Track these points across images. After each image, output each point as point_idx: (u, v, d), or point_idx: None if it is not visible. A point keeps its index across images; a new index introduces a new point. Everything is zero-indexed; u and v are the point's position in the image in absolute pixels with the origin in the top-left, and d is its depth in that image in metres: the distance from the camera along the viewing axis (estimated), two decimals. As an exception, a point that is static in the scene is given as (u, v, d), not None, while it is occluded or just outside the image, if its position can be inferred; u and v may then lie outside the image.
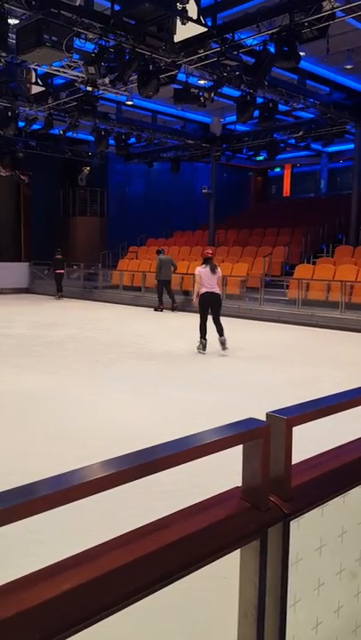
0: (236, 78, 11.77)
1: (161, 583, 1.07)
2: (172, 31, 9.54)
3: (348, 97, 15.70)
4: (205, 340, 9.23)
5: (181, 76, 12.37)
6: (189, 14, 9.09)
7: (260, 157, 21.60)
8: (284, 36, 9.67)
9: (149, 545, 1.08)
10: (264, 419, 1.28)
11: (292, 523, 1.27)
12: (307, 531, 1.31)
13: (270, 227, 20.01)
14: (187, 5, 9.00)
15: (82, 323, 13.22)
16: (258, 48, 10.81)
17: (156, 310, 15.74)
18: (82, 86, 13.48)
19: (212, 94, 12.58)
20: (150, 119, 18.97)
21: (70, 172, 23.61)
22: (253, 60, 11.15)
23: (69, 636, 0.91)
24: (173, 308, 15.56)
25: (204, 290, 9.05)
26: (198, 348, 9.25)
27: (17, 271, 20.75)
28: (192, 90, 12.68)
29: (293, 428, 1.29)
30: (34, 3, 9.42)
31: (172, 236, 23.11)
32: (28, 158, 20.87)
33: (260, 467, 1.23)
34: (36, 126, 17.54)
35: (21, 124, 16.93)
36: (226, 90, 13.36)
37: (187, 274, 17.15)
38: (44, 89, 14.19)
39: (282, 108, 15.22)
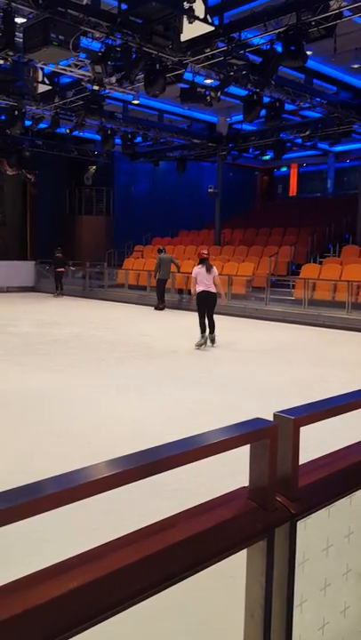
0: (243, 77, 11.75)
1: (167, 583, 1.06)
2: (179, 30, 9.53)
3: (356, 96, 15.64)
4: (205, 335, 9.65)
5: (188, 76, 12.36)
6: (196, 13, 9.08)
7: (267, 157, 21.55)
8: (291, 35, 9.64)
9: (155, 544, 1.07)
10: (269, 419, 1.28)
11: (298, 523, 1.27)
12: (313, 531, 1.31)
13: (276, 226, 19.97)
14: (194, 4, 8.99)
15: (87, 321, 13.24)
16: (265, 47, 10.78)
17: (156, 309, 15.75)
18: (88, 85, 13.49)
19: (219, 93, 12.56)
20: (157, 118, 18.97)
21: (76, 171, 23.66)
22: (260, 60, 11.13)
23: (75, 635, 0.91)
24: (161, 308, 15.58)
25: (200, 289, 9.51)
26: (198, 344, 9.60)
27: (23, 270, 20.82)
28: (198, 89, 12.67)
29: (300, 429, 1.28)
30: (41, 1, 9.43)
31: (177, 235, 23.10)
32: (35, 157, 20.93)
33: (268, 467, 1.23)
34: (42, 125, 17.58)
35: (28, 123, 16.96)
36: (232, 89, 13.34)
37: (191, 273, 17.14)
38: (50, 88, 14.21)
39: (288, 107, 15.18)
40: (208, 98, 12.60)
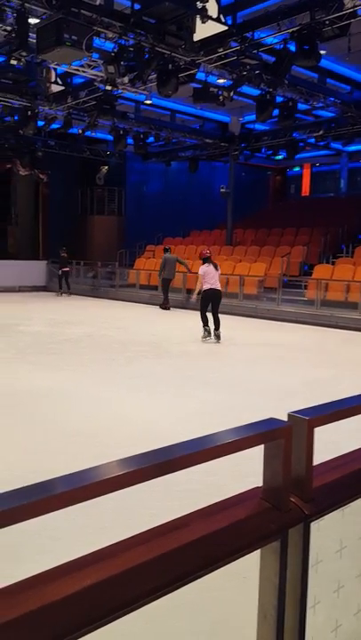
0: (256, 77, 11.72)
1: (180, 582, 1.06)
2: (192, 30, 9.53)
3: (370, 95, 15.54)
4: (208, 327, 10.22)
5: (201, 75, 12.36)
6: (209, 13, 9.08)
7: (280, 157, 21.49)
8: (304, 35, 9.60)
9: (169, 543, 1.07)
10: (280, 419, 1.27)
11: (312, 524, 1.26)
12: (327, 532, 1.30)
13: (289, 226, 19.90)
14: (207, 4, 8.99)
15: (98, 321, 13.28)
16: (278, 46, 10.75)
17: (162, 308, 15.79)
18: (101, 85, 13.54)
19: (232, 93, 12.54)
20: (169, 118, 18.98)
21: (88, 171, 23.74)
22: (273, 59, 11.09)
23: (88, 632, 0.91)
24: (166, 307, 15.61)
25: (208, 286, 9.92)
26: (204, 337, 10.23)
27: (35, 269, 20.94)
28: (211, 89, 12.66)
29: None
30: (54, 2, 9.48)
31: (189, 235, 23.10)
32: (47, 157, 21.03)
33: (282, 467, 1.22)
34: (55, 125, 17.65)
35: (40, 123, 17.05)
36: (245, 89, 13.31)
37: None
38: (63, 88, 14.27)
39: (302, 106, 15.12)
40: (221, 98, 12.58)
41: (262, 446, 1.25)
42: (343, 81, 15.10)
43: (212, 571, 1.15)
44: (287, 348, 10.24)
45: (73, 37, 9.51)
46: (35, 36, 10.03)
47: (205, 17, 9.06)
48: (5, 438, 4.83)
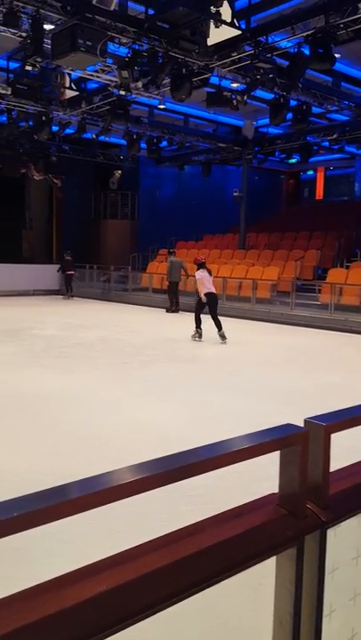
0: (270, 81, 11.70)
1: (196, 588, 1.06)
2: (206, 34, 9.56)
3: (384, 99, 15.45)
4: (201, 329, 10.81)
5: (214, 80, 12.38)
6: (223, 17, 9.10)
7: (293, 160, 21.43)
8: (319, 38, 9.58)
9: (185, 549, 1.07)
10: (296, 424, 1.27)
11: (329, 531, 1.25)
12: (344, 540, 1.29)
13: (302, 230, 19.82)
14: (221, 8, 9.01)
15: (112, 325, 13.32)
16: (292, 50, 10.73)
17: (168, 312, 15.82)
18: (115, 90, 13.62)
19: (245, 97, 12.54)
20: (182, 122, 19.02)
21: (102, 175, 23.87)
22: (287, 63, 11.08)
23: (106, 637, 0.91)
24: (173, 311, 15.63)
25: (207, 290, 10.54)
26: (194, 337, 10.81)
27: (49, 273, 21.05)
28: (225, 93, 12.68)
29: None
30: (69, 8, 9.56)
31: (202, 239, 23.10)
32: (61, 162, 21.17)
33: (298, 473, 1.21)
34: (69, 130, 17.77)
35: (55, 128, 17.18)
36: (259, 92, 13.30)
37: (216, 277, 17.11)
38: (77, 93, 14.38)
39: (316, 110, 15.07)
40: (234, 102, 12.59)
41: (277, 452, 1.24)
42: (358, 84, 15.03)
43: (228, 577, 1.14)
44: (300, 352, 10.19)
45: (87, 43, 9.58)
46: (49, 41, 10.13)
47: (219, 21, 9.08)
48: (18, 441, 4.86)
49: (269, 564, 1.26)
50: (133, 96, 13.84)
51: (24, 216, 24.38)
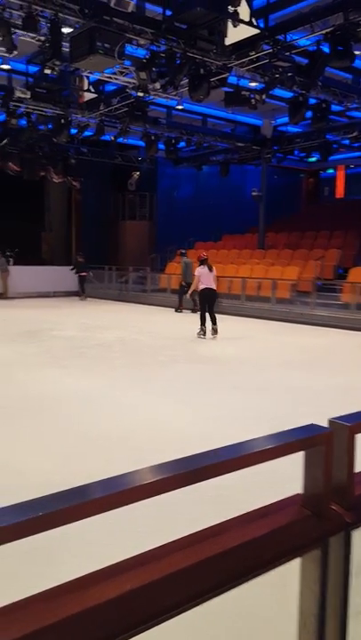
0: (289, 79, 11.63)
1: (222, 588, 1.05)
2: (224, 34, 9.55)
3: None
4: (205, 327, 11.12)
5: (232, 79, 12.34)
6: (241, 16, 9.07)
7: (313, 159, 21.28)
8: (338, 36, 9.50)
9: (210, 549, 1.07)
10: (317, 424, 1.26)
11: (353, 532, 1.24)
12: (369, 541, 1.27)
13: (323, 229, 19.66)
14: (239, 8, 8.98)
15: (130, 326, 13.36)
16: (311, 48, 10.65)
17: (176, 311, 15.87)
18: (133, 92, 13.67)
19: (264, 96, 12.48)
20: (200, 123, 19.01)
21: (120, 176, 23.98)
22: (306, 61, 11.00)
23: (129, 638, 0.91)
24: (193, 311, 15.70)
25: (203, 286, 10.91)
26: (199, 334, 11.15)
27: (68, 275, 21.19)
28: (243, 92, 12.64)
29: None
30: (87, 11, 9.62)
31: (220, 239, 23.05)
32: (80, 164, 21.32)
33: (322, 474, 1.20)
34: (87, 133, 17.88)
35: (74, 131, 17.30)
36: (277, 91, 13.23)
37: (235, 277, 17.08)
38: (95, 96, 14.46)
39: (335, 108, 14.94)
40: (253, 101, 12.54)
41: (300, 452, 1.23)
42: (378, 81, 14.86)
43: (253, 578, 1.14)
44: (322, 352, 10.10)
45: (105, 45, 9.64)
46: (68, 45, 10.21)
47: (237, 21, 9.06)
48: (39, 441, 4.90)
49: (294, 565, 1.25)
50: (151, 97, 13.87)
51: (43, 218, 24.61)
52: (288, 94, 13.40)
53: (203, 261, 11.18)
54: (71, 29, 10.17)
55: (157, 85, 12.35)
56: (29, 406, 6.01)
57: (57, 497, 0.91)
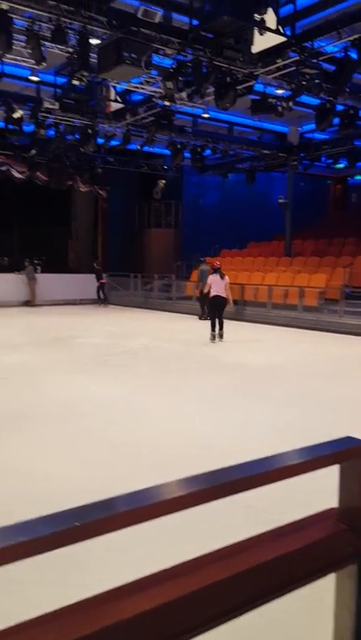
0: (316, 86, 11.57)
1: (256, 603, 1.03)
2: (250, 42, 9.55)
3: None
4: (215, 332, 11.61)
5: (259, 87, 12.33)
6: (268, 24, 9.07)
7: (340, 165, 21.09)
8: (365, 42, 9.42)
9: (244, 562, 1.05)
10: (353, 437, 1.23)
11: (391, 548, 1.20)
12: None
13: (351, 236, 19.43)
14: (265, 16, 8.98)
15: (156, 333, 13.39)
16: (339, 55, 10.58)
17: (200, 319, 15.83)
18: (159, 101, 13.77)
19: (291, 103, 12.44)
20: (226, 131, 19.04)
21: (146, 185, 24.13)
22: (334, 68, 10.93)
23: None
24: (203, 318, 15.65)
25: (214, 293, 11.45)
26: (212, 340, 11.57)
27: (94, 283, 21.38)
28: (270, 100, 12.61)
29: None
30: (114, 22, 9.75)
31: (246, 246, 22.98)
32: (106, 173, 21.54)
33: (358, 488, 1.18)
34: (114, 142, 18.06)
35: (100, 140, 17.49)
36: (304, 98, 13.18)
37: (261, 285, 16.99)
38: (122, 106, 14.61)
39: (363, 114, 14.80)
40: (279, 108, 12.51)
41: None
42: None
43: (287, 592, 1.11)
44: (351, 361, 9.96)
45: (132, 56, 9.75)
46: (95, 56, 10.35)
47: (264, 29, 9.06)
48: (64, 447, 4.92)
49: (329, 580, 1.22)
50: (177, 106, 13.95)
51: (70, 227, 24.89)
52: (315, 101, 13.33)
53: (216, 270, 11.69)
54: (99, 41, 10.30)
55: (184, 94, 12.42)
56: (55, 412, 6.05)
57: (85, 510, 0.90)
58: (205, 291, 11.63)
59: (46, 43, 10.27)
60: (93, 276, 21.11)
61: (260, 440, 5.10)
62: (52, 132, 16.44)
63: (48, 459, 4.65)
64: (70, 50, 10.57)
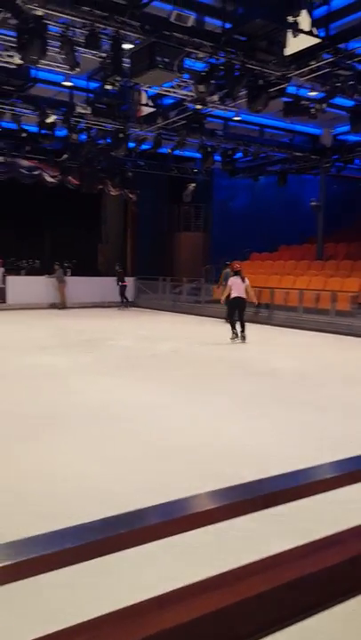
0: (350, 88, 11.40)
1: (299, 616, 1.00)
2: (283, 44, 9.46)
3: None
4: (236, 330, 11.96)
5: (291, 89, 12.23)
6: (301, 26, 8.97)
7: (375, 166, 20.76)
8: None
9: (288, 574, 1.01)
10: None
11: None
12: None
13: (385, 239, 19.10)
14: (298, 18, 8.90)
15: (185, 336, 13.37)
16: (374, 55, 10.43)
17: (226, 322, 15.75)
18: (191, 105, 13.77)
19: (324, 105, 12.30)
20: (257, 133, 18.93)
21: (176, 188, 24.18)
22: (368, 69, 10.78)
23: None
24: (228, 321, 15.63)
25: (235, 294, 11.82)
26: (232, 339, 11.95)
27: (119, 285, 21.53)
28: (302, 102, 12.49)
29: None
30: (147, 27, 9.79)
31: (277, 250, 22.80)
32: (136, 177, 21.66)
33: None
34: (144, 146, 18.15)
35: (131, 144, 17.60)
36: (338, 100, 13.02)
37: (292, 288, 16.82)
38: (154, 109, 14.67)
39: None
40: (313, 110, 12.38)
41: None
42: None
43: (332, 606, 1.07)
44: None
45: (165, 60, 9.76)
46: (127, 60, 10.41)
47: (297, 31, 8.97)
48: (95, 451, 4.94)
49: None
50: (209, 109, 13.93)
51: (100, 230, 25.11)
52: (349, 103, 13.16)
53: (236, 272, 12.16)
54: (131, 45, 10.36)
55: (215, 97, 12.39)
56: (87, 415, 6.08)
57: (112, 521, 0.88)
58: (225, 294, 12.06)
59: (80, 48, 10.38)
60: (125, 279, 21.27)
61: (295, 449, 5.02)
62: (83, 137, 16.62)
63: (80, 462, 4.66)
64: (103, 55, 10.67)
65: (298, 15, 8.89)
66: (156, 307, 21.14)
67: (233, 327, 12.06)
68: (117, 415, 6.10)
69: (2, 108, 14.68)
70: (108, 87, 11.54)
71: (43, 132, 15.46)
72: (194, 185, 22.49)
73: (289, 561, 1.06)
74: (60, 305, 20.42)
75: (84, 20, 9.74)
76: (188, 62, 10.87)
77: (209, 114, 15.14)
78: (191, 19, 9.95)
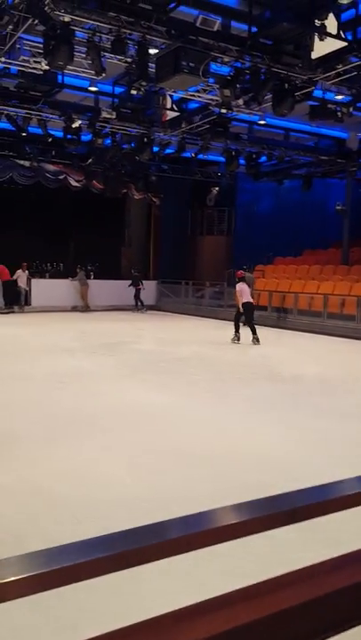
0: (377, 91, 11.30)
1: (335, 629, 0.97)
2: (310, 48, 9.41)
3: None
4: (239, 333, 12.51)
5: (318, 93, 12.13)
6: (328, 30, 8.91)
7: None
8: None
9: (321, 587, 0.99)
10: None
11: None
12: None
13: None
14: (326, 21, 8.83)
15: (207, 340, 13.34)
16: None
17: (244, 325, 15.68)
18: (215, 109, 13.76)
19: (351, 109, 12.18)
20: (282, 137, 18.83)
21: (199, 192, 24.20)
22: (396, 72, 10.64)
23: None
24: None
25: (245, 300, 12.41)
26: (233, 340, 12.48)
27: (146, 289, 21.60)
28: (329, 105, 12.39)
29: None
30: (173, 32, 9.82)
31: (301, 254, 22.61)
32: (160, 181, 21.73)
33: None
34: (168, 150, 18.20)
35: (155, 148, 17.66)
36: (365, 103, 12.88)
37: (316, 293, 16.66)
38: (178, 114, 14.70)
39: None
40: (339, 114, 12.27)
41: None
42: None
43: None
44: None
45: (190, 64, 9.77)
46: (153, 65, 10.45)
47: (324, 34, 8.90)
48: (118, 455, 4.94)
49: None
50: (234, 113, 13.90)
51: (124, 234, 25.25)
52: (376, 106, 13.01)
53: (242, 278, 12.73)
54: (157, 50, 10.40)
55: (240, 101, 12.37)
56: (112, 419, 6.09)
57: (134, 534, 0.87)
58: (240, 302, 12.38)
59: (106, 53, 10.46)
60: (148, 282, 21.35)
61: (320, 458, 4.95)
62: (108, 141, 16.74)
63: (103, 465, 4.67)
64: (129, 60, 10.73)
65: (325, 18, 8.83)
66: (178, 310, 21.16)
67: (237, 330, 12.55)
68: (143, 419, 6.10)
69: (29, 114, 14.87)
70: (134, 92, 11.60)
71: (68, 136, 15.61)
72: (217, 189, 22.48)
73: (323, 573, 1.04)
74: (83, 307, 20.58)
75: (110, 26, 9.81)
76: (214, 66, 10.86)
77: (234, 118, 15.10)
78: (217, 23, 9.96)
